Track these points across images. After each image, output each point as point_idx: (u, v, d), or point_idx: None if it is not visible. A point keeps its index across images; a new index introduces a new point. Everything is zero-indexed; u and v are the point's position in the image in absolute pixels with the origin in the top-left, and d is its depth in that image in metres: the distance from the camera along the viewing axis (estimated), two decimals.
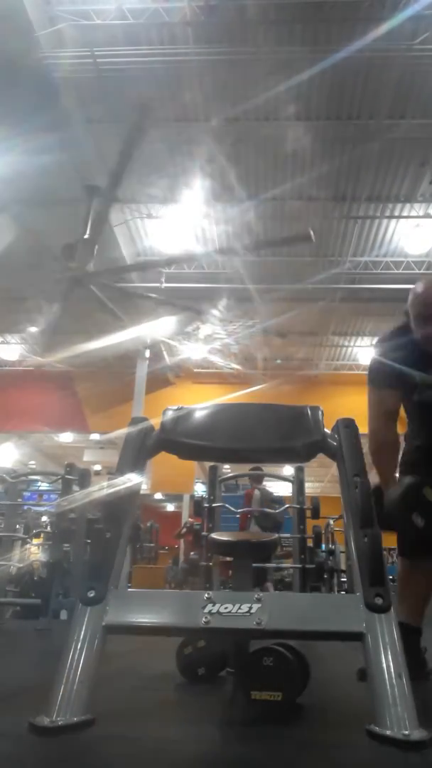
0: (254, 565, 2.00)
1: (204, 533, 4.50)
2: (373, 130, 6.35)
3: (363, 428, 1.64)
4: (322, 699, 1.69)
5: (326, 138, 6.47)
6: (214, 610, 1.25)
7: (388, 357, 2.01)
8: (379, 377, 2.04)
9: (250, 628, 1.23)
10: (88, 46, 5.55)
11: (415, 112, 6.17)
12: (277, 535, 2.20)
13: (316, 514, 4.96)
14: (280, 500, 5.73)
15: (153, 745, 1.26)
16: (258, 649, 1.58)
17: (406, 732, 1.12)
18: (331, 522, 6.84)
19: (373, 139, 6.46)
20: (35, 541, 5.36)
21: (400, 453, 2.09)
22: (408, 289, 2.02)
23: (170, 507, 17.72)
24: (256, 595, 1.28)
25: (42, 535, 5.45)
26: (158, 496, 16.33)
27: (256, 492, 5.48)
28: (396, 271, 8.70)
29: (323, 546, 6.47)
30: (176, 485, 12.40)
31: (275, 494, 5.76)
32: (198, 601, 1.29)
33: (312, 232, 6.25)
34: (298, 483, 4.73)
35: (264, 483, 6.09)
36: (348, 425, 1.58)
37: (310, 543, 5.18)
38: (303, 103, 6.02)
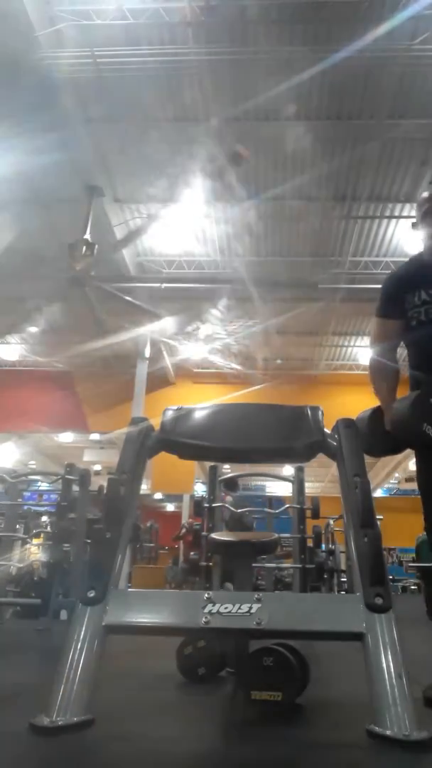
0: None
1: (204, 533, 4.50)
2: (373, 130, 6.35)
3: None
4: (322, 699, 1.69)
5: (326, 138, 6.47)
6: (214, 610, 1.25)
7: (392, 283, 2.00)
8: (383, 307, 2.01)
9: (250, 628, 1.23)
10: (88, 46, 5.55)
11: (415, 112, 6.16)
12: (276, 535, 2.19)
13: (316, 514, 4.96)
14: (249, 517, 5.73)
15: (153, 745, 1.26)
16: (258, 649, 1.58)
17: (406, 732, 1.12)
18: (331, 522, 6.84)
19: (373, 139, 6.46)
20: (35, 541, 5.36)
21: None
22: None
23: (170, 507, 17.72)
24: (256, 595, 1.28)
25: (42, 535, 5.45)
26: (158, 496, 16.33)
27: (228, 498, 5.51)
28: None
29: (323, 546, 6.48)
30: (176, 485, 12.39)
31: (248, 507, 5.72)
32: (198, 601, 1.29)
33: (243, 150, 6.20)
34: (298, 483, 4.74)
35: (240, 490, 6.11)
36: (348, 425, 1.59)
37: (310, 543, 5.18)
38: (303, 103, 6.02)
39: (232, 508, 4.90)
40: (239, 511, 5.12)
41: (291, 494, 4.91)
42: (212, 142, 6.31)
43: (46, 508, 6.69)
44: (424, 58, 5.51)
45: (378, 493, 16.11)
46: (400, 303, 1.92)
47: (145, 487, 11.76)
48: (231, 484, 5.65)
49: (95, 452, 14.90)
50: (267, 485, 14.64)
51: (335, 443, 1.57)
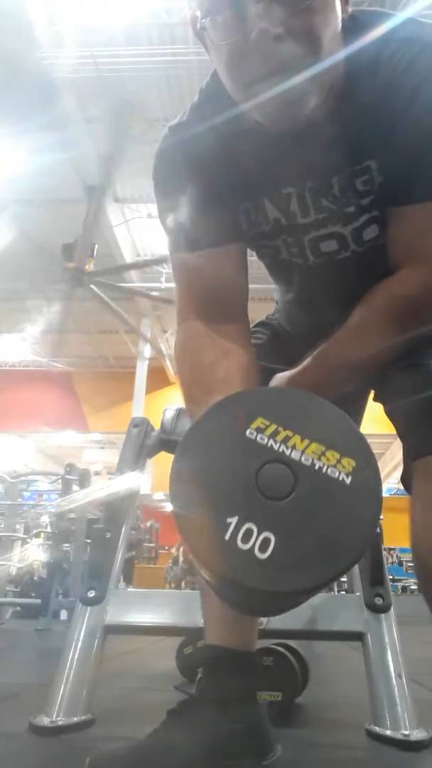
0: None
1: None
2: None
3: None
4: (322, 699, 1.69)
5: None
6: None
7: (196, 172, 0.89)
8: (187, 229, 0.90)
9: None
10: (88, 46, 5.55)
11: None
12: None
13: None
14: None
15: None
16: (258, 649, 1.58)
17: (406, 732, 1.12)
18: None
19: None
20: (35, 541, 5.37)
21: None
22: None
23: (170, 507, 17.71)
24: None
25: (42, 535, 5.45)
26: (158, 496, 16.33)
27: None
28: None
29: None
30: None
31: None
32: (198, 601, 1.29)
33: None
34: None
35: None
36: None
37: None
38: None
39: None
40: None
41: None
42: None
43: (44, 506, 6.68)
44: None
45: None
46: (223, 216, 0.90)
47: (146, 488, 11.75)
48: None
49: (95, 452, 14.90)
50: None
51: None
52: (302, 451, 0.58)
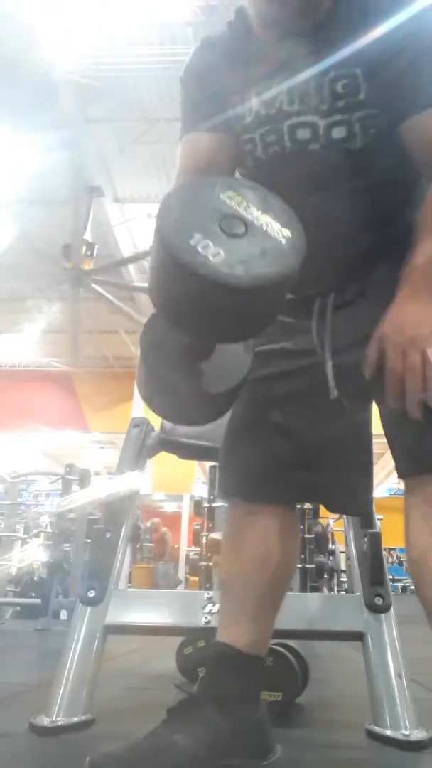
0: None
1: (204, 533, 4.50)
2: None
3: None
4: (322, 699, 1.69)
5: None
6: (215, 609, 1.25)
7: (204, 73, 1.11)
8: (193, 112, 1.15)
9: None
10: (88, 47, 5.55)
11: None
12: None
13: (315, 514, 4.96)
14: None
15: None
16: None
17: (406, 732, 1.12)
18: (331, 522, 6.83)
19: None
20: (35, 541, 5.37)
21: None
22: None
23: (170, 507, 17.71)
24: None
25: (42, 535, 5.45)
26: (158, 496, 16.33)
27: None
28: None
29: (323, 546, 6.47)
30: (176, 485, 12.38)
31: None
32: (198, 601, 1.29)
33: None
34: None
35: None
36: None
37: (309, 543, 5.17)
38: None
39: None
40: None
41: None
42: None
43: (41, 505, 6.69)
44: None
45: (378, 493, 16.13)
46: (222, 109, 1.05)
47: (146, 488, 11.75)
48: None
49: (95, 452, 14.89)
50: None
51: None
52: (256, 217, 0.79)
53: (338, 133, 0.96)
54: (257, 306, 0.81)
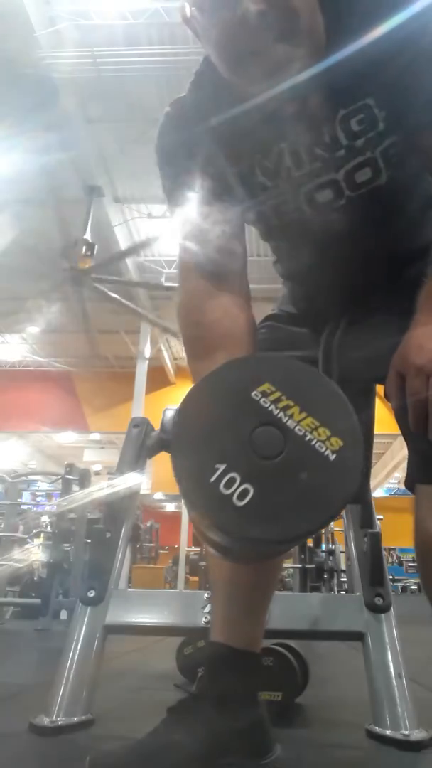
0: None
1: None
2: None
3: None
4: (322, 699, 1.69)
5: None
6: None
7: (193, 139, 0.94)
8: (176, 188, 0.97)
9: None
10: (88, 46, 5.56)
11: None
12: None
13: None
14: None
15: None
16: None
17: (406, 732, 1.12)
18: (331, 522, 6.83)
19: None
20: (35, 541, 5.37)
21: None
22: None
23: (170, 507, 17.72)
24: None
25: (42, 535, 5.45)
26: (158, 496, 16.34)
27: None
28: None
29: (323, 546, 6.48)
30: (176, 485, 12.39)
31: None
32: (198, 601, 1.29)
33: None
34: None
35: None
36: None
37: (310, 543, 5.18)
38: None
39: None
40: None
41: None
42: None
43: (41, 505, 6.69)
44: None
45: (378, 493, 16.14)
46: (217, 194, 0.94)
47: (146, 488, 11.75)
48: None
49: (95, 452, 14.90)
50: None
51: None
52: (298, 421, 0.62)
53: (363, 176, 0.87)
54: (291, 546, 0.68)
